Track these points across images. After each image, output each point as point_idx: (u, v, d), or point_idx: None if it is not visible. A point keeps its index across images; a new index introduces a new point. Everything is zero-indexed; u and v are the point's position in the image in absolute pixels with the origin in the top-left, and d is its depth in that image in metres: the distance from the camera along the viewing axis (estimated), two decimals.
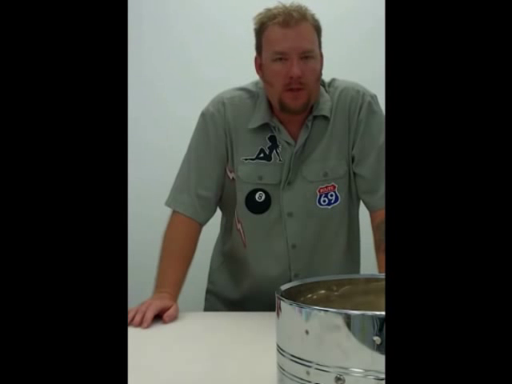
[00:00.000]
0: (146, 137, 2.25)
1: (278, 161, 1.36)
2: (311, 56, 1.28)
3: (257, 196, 1.38)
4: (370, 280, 0.91)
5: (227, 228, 1.49)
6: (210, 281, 1.56)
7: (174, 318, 1.27)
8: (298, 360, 0.71)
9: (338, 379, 0.67)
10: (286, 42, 1.27)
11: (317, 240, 1.40)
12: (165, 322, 1.25)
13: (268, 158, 1.37)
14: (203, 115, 1.41)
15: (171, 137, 2.14)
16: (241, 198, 1.39)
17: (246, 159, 1.38)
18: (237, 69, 1.75)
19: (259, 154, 1.37)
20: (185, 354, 1.06)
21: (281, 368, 0.75)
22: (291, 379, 0.72)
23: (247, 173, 1.38)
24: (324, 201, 1.37)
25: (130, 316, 1.23)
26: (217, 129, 1.39)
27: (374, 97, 1.39)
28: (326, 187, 1.37)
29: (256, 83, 1.41)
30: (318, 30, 1.31)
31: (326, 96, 1.38)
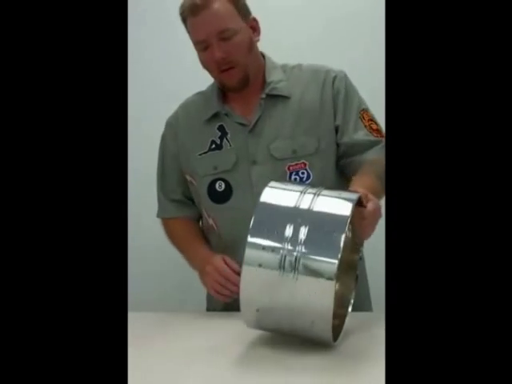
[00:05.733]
0: (147, 136, 2.24)
1: (228, 147, 1.39)
2: (232, 33, 1.29)
3: (217, 186, 1.39)
4: None
5: (205, 229, 1.50)
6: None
7: None
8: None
9: None
10: (199, 31, 1.30)
11: None
12: None
13: (219, 147, 1.40)
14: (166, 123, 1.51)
15: None
16: (203, 191, 1.41)
17: (200, 154, 1.41)
18: None
19: (211, 145, 1.40)
20: (185, 354, 1.06)
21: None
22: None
23: (203, 166, 1.41)
24: (295, 179, 1.35)
25: (215, 290, 1.29)
26: (171, 134, 1.48)
27: (345, 75, 1.41)
28: (296, 164, 1.35)
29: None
30: (233, 1, 1.30)
31: (279, 74, 1.39)
